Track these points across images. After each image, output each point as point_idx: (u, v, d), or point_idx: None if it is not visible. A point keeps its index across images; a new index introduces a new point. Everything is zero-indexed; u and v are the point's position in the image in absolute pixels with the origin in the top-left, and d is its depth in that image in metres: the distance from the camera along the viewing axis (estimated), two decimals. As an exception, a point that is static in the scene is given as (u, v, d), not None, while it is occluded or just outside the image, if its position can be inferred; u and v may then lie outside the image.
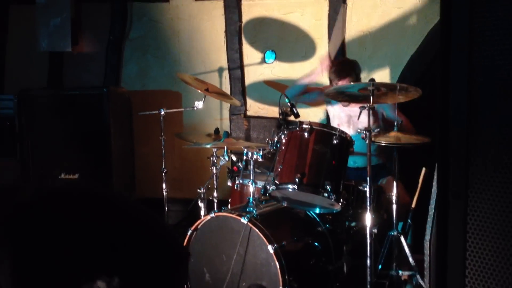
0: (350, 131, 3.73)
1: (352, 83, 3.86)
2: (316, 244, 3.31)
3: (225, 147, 3.66)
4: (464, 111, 1.27)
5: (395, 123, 3.45)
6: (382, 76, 4.74)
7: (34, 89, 4.93)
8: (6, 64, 5.64)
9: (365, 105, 3.13)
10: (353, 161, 4.07)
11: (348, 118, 4.08)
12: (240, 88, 5.20)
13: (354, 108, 3.75)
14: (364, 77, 4.70)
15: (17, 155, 4.69)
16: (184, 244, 3.27)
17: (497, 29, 1.21)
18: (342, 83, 3.92)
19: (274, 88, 5.10)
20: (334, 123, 4.19)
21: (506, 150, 1.21)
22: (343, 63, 4.21)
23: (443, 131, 1.30)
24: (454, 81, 1.31)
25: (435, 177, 2.31)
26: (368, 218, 3.06)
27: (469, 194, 1.24)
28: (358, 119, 3.22)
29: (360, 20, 4.80)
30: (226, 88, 5.23)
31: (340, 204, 3.10)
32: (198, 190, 3.84)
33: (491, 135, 1.23)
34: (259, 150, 3.29)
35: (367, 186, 3.08)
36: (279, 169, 3.16)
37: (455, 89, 1.29)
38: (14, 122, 4.71)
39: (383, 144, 3.44)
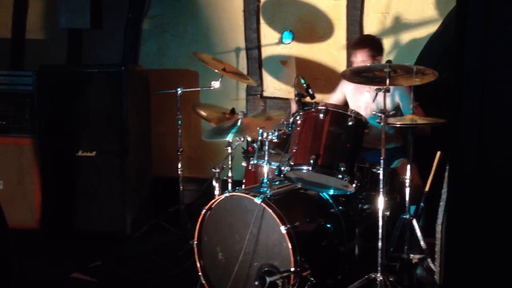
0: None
1: (369, 56, 3.87)
2: (328, 225, 3.32)
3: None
4: (477, 91, 1.26)
5: (411, 107, 3.43)
6: (400, 58, 4.69)
7: (53, 65, 4.96)
8: (26, 41, 5.69)
9: (381, 87, 3.11)
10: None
11: (366, 105, 4.05)
12: (257, 69, 5.19)
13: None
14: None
15: (36, 132, 4.74)
16: (198, 223, 3.31)
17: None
18: (359, 54, 3.93)
19: (291, 69, 5.09)
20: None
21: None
22: (362, 36, 4.24)
23: (457, 112, 1.29)
24: (469, 62, 1.30)
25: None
26: (380, 201, 3.06)
27: (480, 174, 1.23)
28: (373, 101, 3.20)
29: (379, 1, 4.74)
30: (243, 68, 5.22)
31: (353, 186, 3.10)
32: (213, 170, 3.86)
33: (505, 117, 1.22)
34: (275, 131, 3.29)
35: (381, 169, 3.07)
36: (294, 150, 3.16)
37: (470, 70, 1.28)
38: (33, 98, 4.75)
39: (398, 126, 3.43)
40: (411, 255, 3.43)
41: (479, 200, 1.31)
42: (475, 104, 1.27)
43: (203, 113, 4.31)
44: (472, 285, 1.41)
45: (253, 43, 5.17)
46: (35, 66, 4.85)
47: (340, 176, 3.03)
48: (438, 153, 3.58)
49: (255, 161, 3.58)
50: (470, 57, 1.29)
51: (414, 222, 3.41)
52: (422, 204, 3.62)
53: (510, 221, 1.24)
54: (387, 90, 3.10)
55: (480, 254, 1.37)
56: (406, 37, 4.71)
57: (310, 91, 3.36)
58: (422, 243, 3.39)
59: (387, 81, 3.07)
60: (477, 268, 1.38)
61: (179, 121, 4.41)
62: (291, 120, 3.28)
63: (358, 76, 3.41)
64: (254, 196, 3.07)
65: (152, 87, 5.01)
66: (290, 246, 2.90)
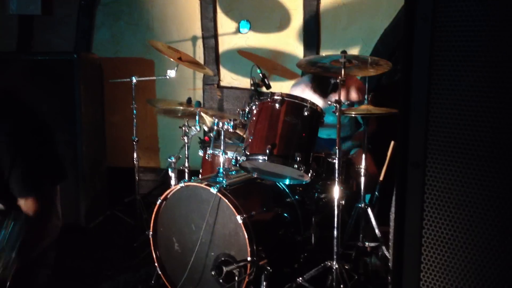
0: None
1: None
2: (285, 214, 3.34)
3: (197, 117, 3.64)
4: (425, 80, 1.28)
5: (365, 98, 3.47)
6: (356, 49, 4.74)
7: (2, 53, 4.80)
8: (-27, 27, 5.49)
9: (337, 78, 3.14)
10: (327, 134, 4.10)
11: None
12: (213, 58, 5.16)
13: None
14: (337, 49, 4.70)
15: (-16, 120, 4.58)
16: (154, 213, 3.27)
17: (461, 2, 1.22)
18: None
19: (248, 59, 5.07)
20: None
21: (464, 120, 1.22)
22: None
23: (405, 101, 1.31)
24: (417, 52, 1.32)
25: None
26: (336, 190, 3.09)
27: (427, 164, 1.25)
28: (329, 92, 3.23)
29: (336, -9, 4.78)
30: (200, 57, 5.18)
31: (309, 175, 3.11)
32: (169, 159, 3.83)
33: (451, 107, 1.24)
34: (230, 120, 3.28)
35: (336, 158, 3.10)
36: (250, 140, 3.15)
37: (417, 59, 1.30)
38: (-19, 87, 4.58)
39: (353, 115, 3.47)
40: (366, 243, 3.49)
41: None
42: (423, 93, 1.29)
43: (159, 108, 4.27)
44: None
45: (210, 32, 5.13)
46: (-18, 53, 4.69)
47: (295, 165, 3.04)
48: (392, 142, 3.64)
49: (212, 151, 3.56)
50: (419, 47, 1.31)
51: (369, 210, 3.47)
52: (376, 193, 3.68)
53: (457, 208, 1.27)
54: (343, 81, 3.13)
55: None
56: (362, 28, 4.76)
57: (266, 81, 3.36)
58: (376, 231, 3.45)
59: (342, 72, 3.10)
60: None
61: (134, 111, 4.34)
62: (247, 109, 3.27)
63: (313, 66, 3.43)
64: (210, 186, 3.05)
65: (106, 75, 4.90)
66: (246, 236, 2.90)
